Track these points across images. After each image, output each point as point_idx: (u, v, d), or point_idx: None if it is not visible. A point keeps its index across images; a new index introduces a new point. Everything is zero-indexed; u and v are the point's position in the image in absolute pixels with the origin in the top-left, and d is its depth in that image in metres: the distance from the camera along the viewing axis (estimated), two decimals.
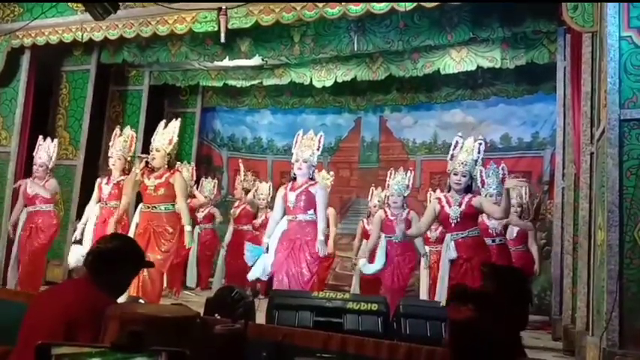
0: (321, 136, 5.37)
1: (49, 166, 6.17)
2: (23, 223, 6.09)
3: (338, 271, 8.36)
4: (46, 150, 6.17)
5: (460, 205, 4.63)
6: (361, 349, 3.02)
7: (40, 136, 6.44)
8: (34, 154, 6.25)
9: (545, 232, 7.21)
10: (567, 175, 5.58)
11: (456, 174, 4.69)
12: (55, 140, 6.34)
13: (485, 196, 5.55)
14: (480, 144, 4.79)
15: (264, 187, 7.84)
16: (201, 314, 3.25)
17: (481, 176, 5.72)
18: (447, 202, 4.70)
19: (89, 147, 7.50)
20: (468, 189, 4.74)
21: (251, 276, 5.42)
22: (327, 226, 6.92)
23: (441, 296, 4.56)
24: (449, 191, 4.78)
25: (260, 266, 5.24)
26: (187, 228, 5.23)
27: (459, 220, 4.61)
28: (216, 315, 3.46)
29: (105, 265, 2.26)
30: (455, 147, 4.81)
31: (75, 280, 2.37)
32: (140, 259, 2.45)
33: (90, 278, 2.26)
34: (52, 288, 2.84)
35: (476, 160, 4.74)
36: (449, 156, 4.83)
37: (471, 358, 1.40)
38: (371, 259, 6.37)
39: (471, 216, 4.66)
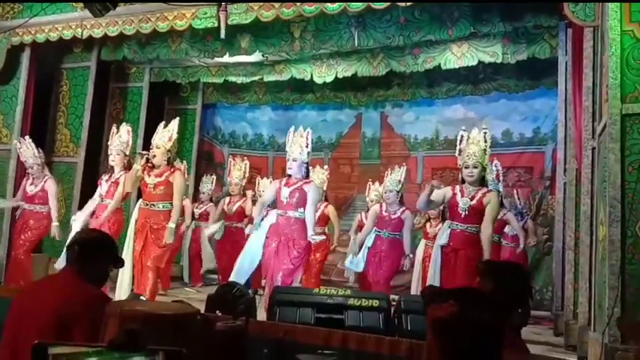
0: (308, 132, 5.37)
1: (39, 163, 6.18)
2: (18, 217, 6.19)
3: (340, 267, 8.36)
4: (25, 150, 6.15)
5: (472, 198, 4.64)
6: (363, 346, 3.02)
7: (15, 140, 6.45)
8: (21, 158, 6.28)
9: (546, 228, 7.21)
10: (569, 171, 5.57)
11: (467, 167, 4.70)
12: (27, 137, 6.28)
13: None
14: (485, 133, 4.82)
15: (265, 183, 7.81)
16: (202, 311, 3.26)
17: None
18: (461, 191, 4.71)
19: (90, 144, 7.49)
20: (482, 181, 4.75)
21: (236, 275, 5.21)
22: (325, 224, 6.96)
23: (434, 281, 4.59)
24: (463, 183, 4.79)
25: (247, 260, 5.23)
26: (170, 224, 5.18)
27: (466, 212, 4.63)
28: (217, 312, 3.47)
29: (91, 255, 2.30)
30: (461, 141, 4.82)
31: (61, 273, 2.36)
32: (117, 251, 2.53)
33: (76, 270, 2.27)
34: (38, 283, 2.81)
35: (484, 150, 4.75)
36: (456, 151, 4.85)
37: (462, 354, 1.37)
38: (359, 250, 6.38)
39: (478, 212, 4.66)
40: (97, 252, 2.33)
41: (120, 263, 2.54)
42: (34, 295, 2.27)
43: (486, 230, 4.57)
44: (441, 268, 4.63)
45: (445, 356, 1.37)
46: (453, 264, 4.58)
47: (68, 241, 2.49)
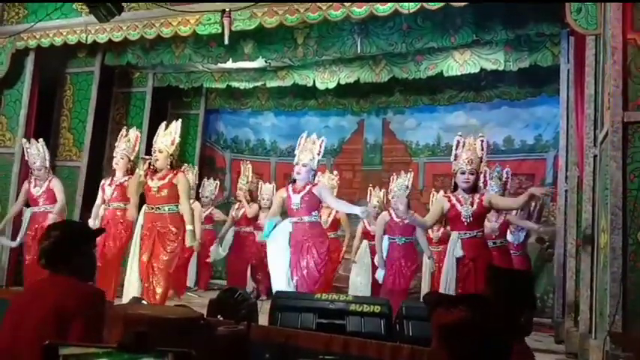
0: (322, 140, 5.39)
1: (47, 166, 6.19)
2: (28, 224, 6.12)
3: (341, 273, 8.35)
4: (36, 152, 6.14)
5: (472, 204, 4.65)
6: (364, 351, 3.03)
7: (24, 140, 6.46)
8: (26, 158, 6.28)
9: (547, 235, 7.20)
10: (570, 178, 5.57)
11: (463, 173, 4.70)
12: (41, 140, 6.27)
13: None
14: (482, 141, 4.81)
15: (267, 188, 7.87)
16: (205, 315, 3.27)
17: (484, 177, 5.72)
18: (458, 200, 4.70)
19: (93, 148, 7.51)
20: (475, 188, 4.76)
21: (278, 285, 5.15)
22: (336, 229, 6.94)
23: (448, 291, 4.56)
24: (454, 191, 4.78)
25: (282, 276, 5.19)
26: (189, 227, 5.22)
27: (470, 219, 4.63)
28: (219, 316, 3.48)
29: (60, 256, 2.21)
30: (457, 147, 4.82)
31: (51, 275, 2.24)
32: (86, 233, 2.39)
33: (60, 270, 2.20)
34: (34, 284, 2.76)
35: (481, 158, 4.75)
36: (452, 156, 4.84)
37: (471, 358, 1.35)
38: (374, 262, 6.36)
39: (481, 215, 4.70)
40: (66, 250, 2.22)
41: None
42: (30, 296, 2.24)
43: (514, 204, 5.07)
44: (457, 279, 4.59)
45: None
46: (474, 275, 4.52)
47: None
